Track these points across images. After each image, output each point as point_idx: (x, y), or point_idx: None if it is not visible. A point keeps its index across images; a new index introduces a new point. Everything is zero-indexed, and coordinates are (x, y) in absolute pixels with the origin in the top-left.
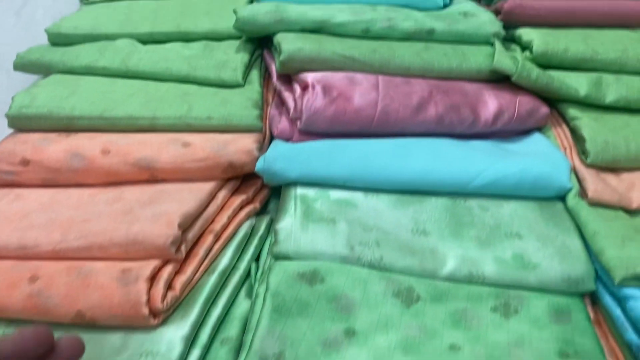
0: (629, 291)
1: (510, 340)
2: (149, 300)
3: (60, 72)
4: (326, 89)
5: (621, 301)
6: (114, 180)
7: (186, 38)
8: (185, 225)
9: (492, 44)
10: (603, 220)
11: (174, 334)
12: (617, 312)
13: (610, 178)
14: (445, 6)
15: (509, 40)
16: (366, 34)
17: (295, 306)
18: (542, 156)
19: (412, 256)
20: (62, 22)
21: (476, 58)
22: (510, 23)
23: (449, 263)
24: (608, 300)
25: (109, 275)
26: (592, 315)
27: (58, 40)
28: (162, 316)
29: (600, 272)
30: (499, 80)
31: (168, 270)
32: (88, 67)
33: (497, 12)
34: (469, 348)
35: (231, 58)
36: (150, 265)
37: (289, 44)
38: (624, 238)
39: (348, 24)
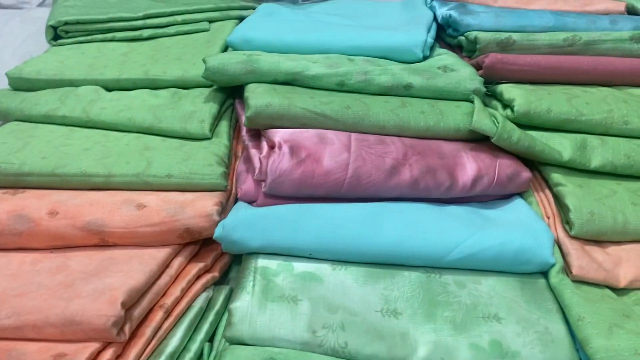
0: None
1: None
2: None
3: (18, 119)
4: (294, 150)
5: None
6: (60, 244)
7: (154, 85)
8: (131, 303)
9: (471, 101)
10: (588, 303)
11: None
12: None
13: (596, 252)
14: (425, 58)
15: (490, 95)
16: (341, 88)
17: None
18: (523, 227)
19: (380, 342)
20: (25, 66)
21: (454, 116)
22: (492, 78)
23: (420, 350)
24: None
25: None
26: None
27: (19, 85)
28: None
29: None
30: (479, 139)
31: (107, 355)
32: (47, 115)
33: (477, 67)
34: None
35: (199, 109)
36: (87, 350)
37: (257, 99)
38: (611, 325)
39: (322, 77)
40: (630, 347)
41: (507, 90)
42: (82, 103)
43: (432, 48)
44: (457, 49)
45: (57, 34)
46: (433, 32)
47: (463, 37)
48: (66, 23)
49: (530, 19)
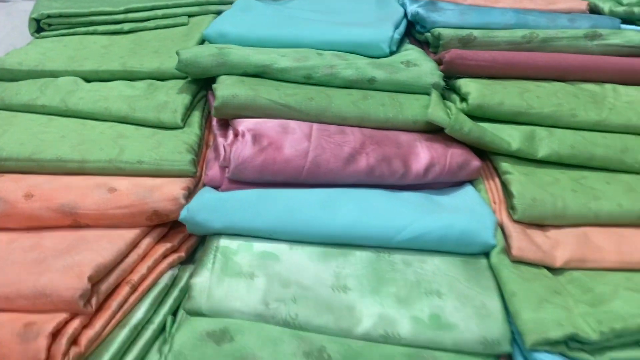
0: (540, 356)
1: None
2: (48, 357)
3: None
4: (256, 138)
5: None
6: (35, 225)
7: (131, 77)
8: (97, 278)
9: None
10: (522, 281)
11: None
12: None
13: (537, 235)
14: (392, 53)
15: (450, 89)
16: (308, 81)
17: None
18: (468, 212)
19: (328, 314)
20: (7, 57)
21: (413, 109)
22: (452, 73)
23: (365, 321)
24: None
25: (10, 329)
26: None
27: (1, 75)
28: None
29: (516, 335)
30: (434, 130)
31: (74, 324)
32: (27, 105)
33: (440, 62)
34: None
35: (172, 99)
36: (55, 319)
37: (224, 90)
38: (541, 300)
39: (290, 70)
40: (555, 319)
41: (465, 84)
42: (61, 93)
43: (401, 43)
44: (425, 44)
45: (40, 26)
46: (402, 28)
47: (429, 34)
48: (49, 16)
49: (493, 16)
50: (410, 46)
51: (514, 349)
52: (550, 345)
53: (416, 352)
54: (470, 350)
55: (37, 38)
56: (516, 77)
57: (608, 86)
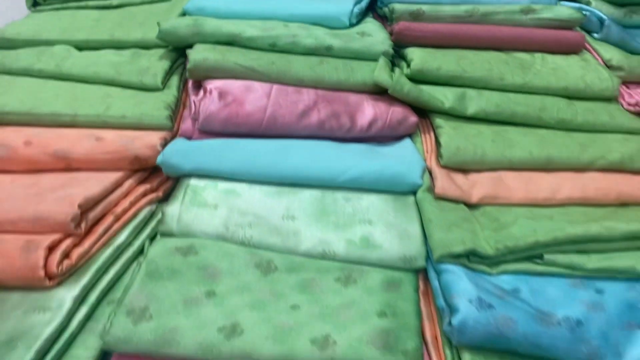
0: (445, 267)
1: (342, 303)
2: (45, 266)
3: (0, 72)
4: (222, 95)
5: (438, 274)
6: (33, 168)
7: (118, 46)
8: (86, 207)
9: None
10: (440, 211)
11: (65, 294)
12: (435, 283)
13: (459, 177)
14: (352, 25)
15: (400, 57)
16: (273, 48)
17: (167, 272)
18: (401, 158)
19: (277, 236)
20: (7, 28)
21: (363, 73)
22: (402, 43)
23: (307, 242)
24: (432, 274)
25: (14, 244)
26: (422, 287)
27: (2, 44)
28: (56, 279)
29: (429, 252)
30: (381, 92)
31: (67, 242)
32: (25, 69)
33: (391, 33)
34: (306, 307)
35: (153, 65)
36: (51, 237)
37: (196, 54)
38: (451, 225)
39: (257, 39)
40: (459, 239)
41: (411, 52)
42: (55, 59)
43: (363, 17)
44: (384, 18)
45: (36, 1)
46: (364, 4)
47: (387, 8)
48: None
49: None
50: (369, 19)
51: (427, 264)
52: (454, 258)
53: (348, 267)
54: (392, 265)
55: (33, 12)
56: (458, 46)
57: (538, 55)
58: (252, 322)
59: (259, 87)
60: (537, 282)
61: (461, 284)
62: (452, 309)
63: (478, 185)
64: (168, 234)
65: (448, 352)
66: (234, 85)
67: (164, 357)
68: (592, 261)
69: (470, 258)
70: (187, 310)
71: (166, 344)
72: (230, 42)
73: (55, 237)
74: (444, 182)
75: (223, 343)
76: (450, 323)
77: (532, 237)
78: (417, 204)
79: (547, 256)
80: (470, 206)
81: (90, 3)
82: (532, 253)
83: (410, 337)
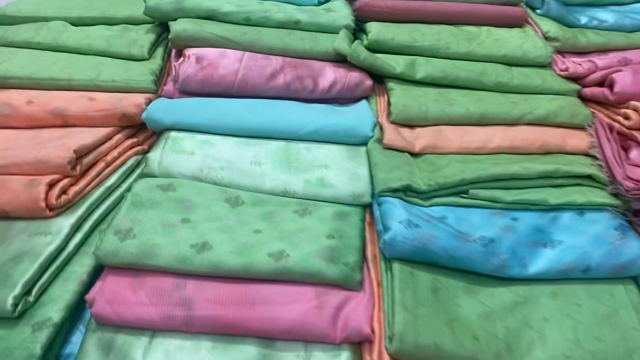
0: (385, 199)
1: (298, 228)
2: (46, 199)
3: (2, 45)
4: (199, 59)
5: (379, 206)
6: (34, 124)
7: (109, 22)
8: (81, 153)
9: None
10: (385, 158)
11: (64, 222)
12: (377, 213)
13: (405, 131)
14: (321, 3)
15: (362, 31)
16: (247, 22)
17: (149, 203)
18: (356, 114)
19: (246, 178)
20: (8, 7)
21: (326, 43)
22: (364, 18)
23: (271, 183)
24: (375, 207)
25: (19, 182)
26: (368, 219)
27: (4, 20)
28: (55, 211)
29: (374, 190)
30: (342, 60)
31: (65, 181)
32: (25, 42)
33: (354, 9)
34: (267, 232)
35: (141, 38)
36: (51, 177)
37: (177, 25)
38: (394, 167)
39: (233, 13)
40: (398, 177)
41: (369, 25)
42: (52, 33)
43: None
44: None
45: None
46: None
47: None
48: None
49: None
50: None
51: (373, 200)
52: (392, 192)
53: (305, 202)
54: (343, 201)
55: None
56: (414, 21)
57: (484, 28)
58: (220, 241)
59: (232, 54)
60: (462, 211)
61: (395, 211)
62: (386, 229)
63: (421, 137)
64: (150, 175)
65: (383, 265)
66: (209, 52)
67: (146, 268)
68: (511, 195)
69: (406, 193)
70: (165, 232)
71: (147, 257)
72: (209, 17)
73: (54, 176)
74: (392, 134)
75: (195, 256)
76: (383, 241)
77: (460, 175)
78: (367, 152)
79: (472, 191)
80: (414, 155)
81: None
82: (460, 189)
83: (352, 253)
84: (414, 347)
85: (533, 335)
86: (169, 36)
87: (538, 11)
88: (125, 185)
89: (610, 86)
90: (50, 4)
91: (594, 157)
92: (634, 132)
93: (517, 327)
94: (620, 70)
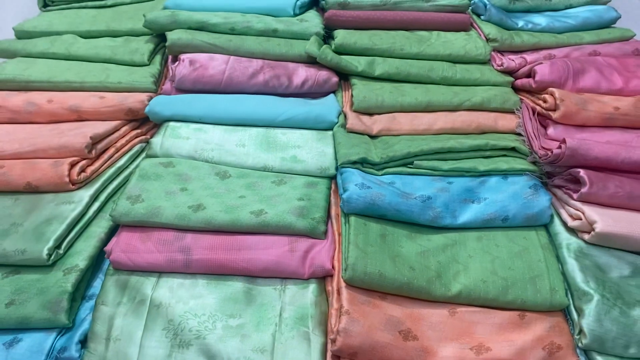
0: (345, 169)
1: (275, 194)
2: (69, 175)
3: (22, 56)
4: (191, 62)
5: (341, 175)
6: (54, 119)
7: (113, 34)
8: (96, 139)
9: None
10: (348, 138)
11: (84, 193)
12: (339, 180)
13: (365, 118)
14: (296, 15)
15: (331, 37)
16: (232, 31)
17: (154, 176)
18: (323, 104)
19: (232, 157)
20: (25, 23)
21: (299, 48)
22: (332, 26)
23: (251, 160)
24: (338, 176)
25: (47, 163)
26: (333, 187)
27: (22, 35)
28: (77, 185)
29: (337, 163)
30: (313, 62)
31: (83, 162)
32: (42, 52)
33: (324, 19)
34: (249, 197)
35: (141, 47)
36: (72, 158)
37: (172, 35)
38: (353, 145)
39: (220, 24)
40: (356, 152)
41: (336, 32)
42: (65, 44)
43: (307, 9)
44: (323, 9)
45: (45, 3)
46: None
47: (324, 2)
48: None
49: None
50: (312, 11)
51: (337, 173)
52: (351, 164)
53: (281, 175)
54: (312, 173)
55: (43, 12)
56: (374, 28)
57: (434, 32)
58: (212, 203)
59: (219, 57)
60: (408, 178)
61: (353, 177)
62: (345, 190)
63: (378, 122)
64: (153, 156)
65: (343, 219)
66: (200, 56)
67: (152, 225)
68: (448, 164)
69: (363, 165)
70: (168, 197)
71: (153, 216)
72: (200, 27)
73: (75, 158)
74: (354, 120)
75: (192, 215)
76: (342, 200)
77: (406, 149)
78: (333, 135)
79: (416, 162)
80: (372, 137)
81: (89, 3)
82: (406, 161)
83: (318, 211)
84: (363, 275)
85: (459, 267)
86: (166, 44)
87: (482, 17)
88: (132, 166)
89: (533, 76)
90: (61, 21)
91: (519, 134)
92: (550, 112)
93: (446, 261)
94: (541, 63)
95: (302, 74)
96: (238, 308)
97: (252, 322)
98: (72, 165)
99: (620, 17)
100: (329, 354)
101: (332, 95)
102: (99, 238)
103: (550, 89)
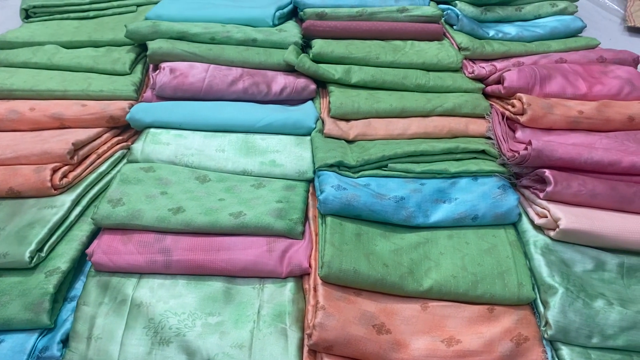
0: (322, 172)
1: (253, 197)
2: (51, 180)
3: (5, 66)
4: (172, 70)
5: (318, 177)
6: (37, 127)
7: (95, 45)
8: (78, 146)
9: None
10: (325, 143)
11: (66, 198)
12: (316, 183)
13: (342, 123)
14: (275, 25)
15: (309, 47)
16: (213, 41)
17: (134, 180)
18: (301, 111)
19: (212, 161)
20: (7, 34)
21: (278, 57)
22: (310, 36)
23: (232, 165)
24: (315, 180)
25: (29, 168)
26: (311, 190)
27: (4, 45)
28: (59, 190)
29: (315, 167)
30: (291, 70)
31: (65, 168)
32: (24, 62)
33: (302, 29)
34: (229, 200)
35: (123, 56)
36: (54, 164)
37: (153, 44)
38: (330, 149)
39: (200, 34)
40: (332, 156)
41: (314, 42)
42: (47, 54)
43: (286, 19)
44: (302, 20)
45: (28, 14)
46: (286, 10)
47: (302, 12)
48: (34, 6)
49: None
50: (291, 22)
51: (315, 176)
52: (328, 167)
53: (260, 178)
54: (291, 177)
55: (26, 23)
56: (351, 37)
57: (409, 42)
58: (192, 206)
59: (199, 66)
60: (382, 180)
61: (329, 179)
62: (321, 192)
63: (354, 128)
64: (134, 161)
65: (320, 220)
66: (181, 64)
67: (133, 227)
68: (420, 167)
69: (340, 168)
70: (148, 200)
71: (134, 219)
72: (180, 37)
73: (57, 164)
74: (331, 126)
75: (171, 217)
76: (319, 200)
77: (381, 153)
78: (311, 140)
79: (390, 165)
80: (349, 141)
81: (72, 15)
82: (381, 164)
83: (295, 212)
84: (338, 271)
85: (431, 264)
86: (147, 53)
87: (454, 27)
88: (113, 172)
89: (502, 82)
90: (43, 31)
91: (489, 138)
92: (518, 117)
93: (418, 258)
94: (510, 70)
95: (280, 81)
96: (217, 306)
97: (230, 320)
98: (54, 170)
99: (586, 27)
100: (305, 349)
101: (310, 102)
102: (80, 241)
103: (519, 94)
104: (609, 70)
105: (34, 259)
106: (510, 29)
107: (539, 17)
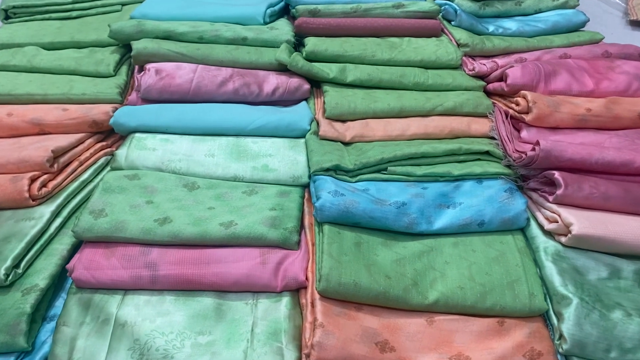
0: (318, 177)
1: (245, 204)
2: (29, 190)
3: None
4: (158, 71)
5: (314, 183)
6: (15, 133)
7: (78, 46)
8: (58, 153)
9: None
10: (320, 145)
11: (45, 209)
12: (312, 188)
13: (338, 125)
14: (266, 23)
15: (302, 45)
16: (201, 40)
17: (118, 189)
18: (295, 112)
19: (201, 167)
20: None
21: (269, 56)
22: (302, 34)
23: (222, 170)
24: (311, 185)
25: (5, 178)
26: (306, 196)
27: None
28: (38, 201)
29: (310, 172)
30: (284, 69)
31: (44, 177)
32: (2, 65)
33: (295, 27)
34: (219, 208)
35: (107, 57)
36: (32, 173)
37: (138, 44)
38: (326, 152)
39: (187, 33)
40: (328, 159)
41: (307, 40)
42: (27, 56)
43: (277, 17)
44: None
45: (7, 15)
46: (277, 8)
47: (294, 10)
48: (14, 7)
49: None
50: (282, 19)
51: (310, 181)
52: (324, 171)
53: (252, 184)
54: (285, 182)
55: (5, 24)
56: (345, 35)
57: (405, 39)
58: (179, 216)
59: (187, 66)
60: (382, 184)
61: (326, 184)
62: (317, 198)
63: (351, 129)
64: (118, 169)
65: (316, 228)
66: (167, 65)
67: (117, 240)
68: (422, 170)
69: (337, 172)
70: (132, 211)
71: (117, 231)
72: (167, 37)
73: (35, 172)
74: (326, 127)
75: (158, 228)
76: (315, 208)
77: (379, 155)
78: (305, 142)
79: (390, 168)
80: (345, 143)
81: (53, 15)
82: (380, 167)
83: (290, 220)
84: (337, 285)
85: (436, 274)
86: (132, 53)
87: (452, 23)
88: (97, 180)
89: (505, 80)
90: (24, 32)
91: (492, 138)
92: (523, 115)
93: (423, 269)
94: (512, 67)
95: (273, 81)
96: (207, 325)
97: (222, 339)
98: (33, 180)
99: (589, 21)
100: None
101: (304, 102)
102: (60, 255)
103: (523, 91)
104: (615, 65)
105: (10, 276)
106: (511, 24)
107: (540, 11)
